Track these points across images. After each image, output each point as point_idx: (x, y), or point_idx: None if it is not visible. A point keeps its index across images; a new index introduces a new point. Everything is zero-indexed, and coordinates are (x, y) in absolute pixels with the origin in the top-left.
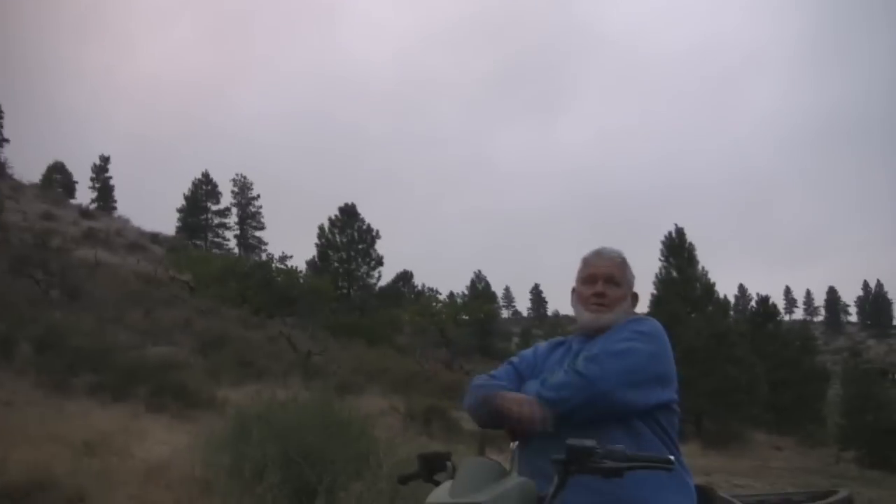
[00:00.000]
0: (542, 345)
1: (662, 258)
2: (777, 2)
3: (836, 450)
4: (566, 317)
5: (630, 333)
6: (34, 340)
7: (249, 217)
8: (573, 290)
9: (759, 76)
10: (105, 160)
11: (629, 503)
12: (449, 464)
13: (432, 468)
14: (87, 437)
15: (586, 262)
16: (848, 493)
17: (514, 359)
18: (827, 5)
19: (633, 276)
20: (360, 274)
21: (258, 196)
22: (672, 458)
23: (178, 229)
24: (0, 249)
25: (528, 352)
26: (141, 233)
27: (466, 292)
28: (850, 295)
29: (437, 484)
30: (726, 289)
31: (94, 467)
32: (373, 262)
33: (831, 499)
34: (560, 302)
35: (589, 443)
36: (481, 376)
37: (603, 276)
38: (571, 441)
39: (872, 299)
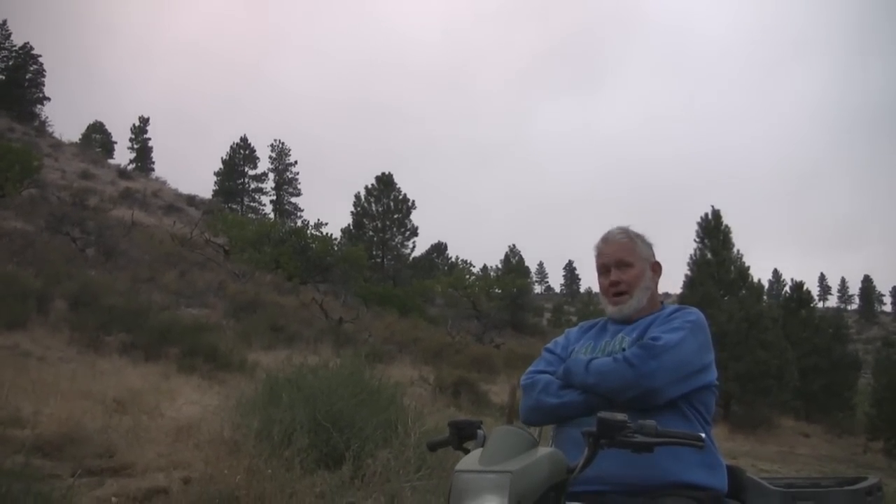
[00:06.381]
0: (574, 329)
1: (697, 240)
2: None
3: (864, 439)
4: (598, 294)
5: (682, 323)
6: (69, 298)
7: (286, 183)
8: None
9: (805, 63)
10: (144, 121)
11: (659, 478)
12: (480, 432)
13: (463, 436)
14: (119, 395)
15: (597, 251)
16: (877, 479)
17: (550, 345)
18: None
19: (648, 246)
20: (394, 243)
21: (295, 162)
22: (703, 435)
23: (215, 193)
24: (38, 207)
25: (560, 338)
26: (178, 195)
27: (500, 266)
28: (885, 284)
29: (467, 452)
30: (761, 273)
31: (125, 424)
32: (407, 233)
33: (860, 485)
34: (593, 280)
35: (620, 416)
36: (526, 376)
37: (613, 263)
38: (603, 414)
39: None
